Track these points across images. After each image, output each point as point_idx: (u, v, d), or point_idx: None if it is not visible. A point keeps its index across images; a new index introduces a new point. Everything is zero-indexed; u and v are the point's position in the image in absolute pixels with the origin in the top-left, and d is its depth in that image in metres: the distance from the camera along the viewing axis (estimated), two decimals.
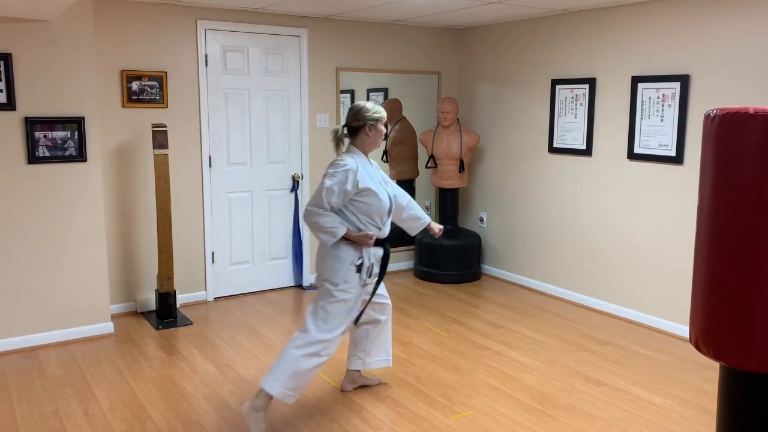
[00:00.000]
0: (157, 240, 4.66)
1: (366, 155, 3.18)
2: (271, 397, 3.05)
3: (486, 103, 5.92)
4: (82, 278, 4.34)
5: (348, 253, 3.08)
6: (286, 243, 5.54)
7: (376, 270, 3.21)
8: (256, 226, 5.39)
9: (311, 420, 3.25)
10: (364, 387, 3.62)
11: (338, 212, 3.07)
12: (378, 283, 3.25)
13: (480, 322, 4.73)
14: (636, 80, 4.61)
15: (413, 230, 3.51)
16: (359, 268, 3.09)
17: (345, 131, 3.17)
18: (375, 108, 3.14)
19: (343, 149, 3.19)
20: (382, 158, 6.02)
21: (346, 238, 3.05)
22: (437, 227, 3.50)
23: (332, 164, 3.06)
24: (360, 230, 3.08)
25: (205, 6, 4.81)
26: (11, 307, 4.14)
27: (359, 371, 3.59)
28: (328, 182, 2.98)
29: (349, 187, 3.00)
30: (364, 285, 3.16)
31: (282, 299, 5.28)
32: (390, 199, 3.20)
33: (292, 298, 5.31)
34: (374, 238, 3.07)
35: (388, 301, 3.47)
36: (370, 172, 3.13)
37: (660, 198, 4.54)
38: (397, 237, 6.13)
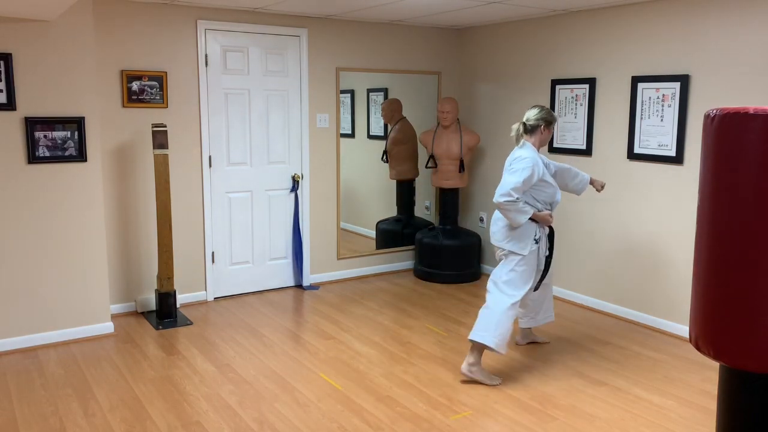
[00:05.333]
0: (157, 240, 4.66)
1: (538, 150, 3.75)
2: (481, 351, 3.64)
3: (486, 103, 5.92)
4: (82, 278, 4.34)
5: (530, 229, 3.67)
6: (286, 243, 5.54)
7: (545, 242, 3.80)
8: (256, 226, 5.39)
9: (311, 420, 3.25)
10: (532, 343, 4.27)
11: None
12: (550, 255, 3.85)
13: None
14: (636, 80, 4.61)
15: (579, 191, 4.07)
16: (537, 241, 3.71)
17: (521, 129, 3.75)
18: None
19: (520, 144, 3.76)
20: (382, 158, 6.02)
21: (530, 218, 3.65)
22: (599, 183, 4.02)
23: (517, 159, 3.61)
24: (540, 211, 3.71)
25: (205, 6, 4.81)
26: (11, 307, 4.14)
27: (530, 328, 4.24)
28: (520, 176, 3.53)
29: (534, 179, 3.60)
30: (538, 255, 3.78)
31: (282, 299, 5.28)
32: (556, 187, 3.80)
33: (292, 298, 5.31)
34: (552, 217, 3.75)
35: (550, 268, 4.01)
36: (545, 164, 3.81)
37: (660, 198, 4.54)
38: (397, 237, 6.17)
